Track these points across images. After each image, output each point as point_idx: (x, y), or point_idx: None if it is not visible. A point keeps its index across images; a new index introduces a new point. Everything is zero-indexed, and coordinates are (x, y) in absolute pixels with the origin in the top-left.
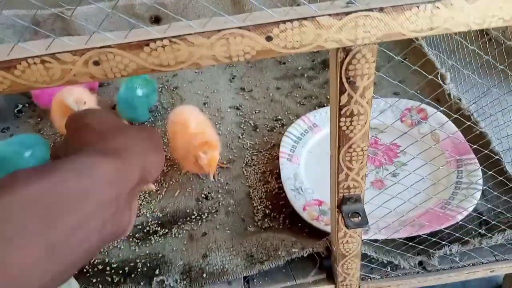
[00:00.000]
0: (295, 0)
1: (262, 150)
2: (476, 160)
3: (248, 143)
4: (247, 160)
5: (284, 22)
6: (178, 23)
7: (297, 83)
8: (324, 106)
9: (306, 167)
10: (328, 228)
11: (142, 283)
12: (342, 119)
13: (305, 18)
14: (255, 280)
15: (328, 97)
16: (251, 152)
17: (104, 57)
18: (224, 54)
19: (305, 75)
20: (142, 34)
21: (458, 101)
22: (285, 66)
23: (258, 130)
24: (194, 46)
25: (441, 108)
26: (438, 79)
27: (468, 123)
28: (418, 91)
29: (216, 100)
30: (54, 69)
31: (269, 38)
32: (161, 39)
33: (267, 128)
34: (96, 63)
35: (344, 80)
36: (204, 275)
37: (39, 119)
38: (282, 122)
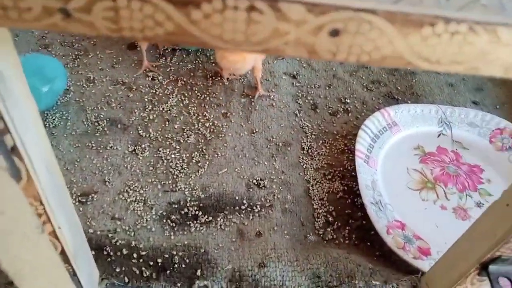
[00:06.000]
0: None
1: (323, 138)
2: None
3: (306, 125)
4: (305, 147)
5: None
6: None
7: None
8: (394, 97)
9: (383, 175)
10: (418, 263)
11: (179, 284)
12: None
13: None
14: None
15: (399, 87)
16: (310, 138)
17: (353, 26)
18: None
19: None
20: (427, 7)
21: None
22: None
23: (318, 110)
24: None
25: None
26: None
27: None
28: (498, 106)
29: (269, 61)
30: (259, 25)
31: None
32: (458, 21)
33: (329, 111)
34: (335, 32)
35: None
36: None
37: (46, 32)
38: (346, 106)
